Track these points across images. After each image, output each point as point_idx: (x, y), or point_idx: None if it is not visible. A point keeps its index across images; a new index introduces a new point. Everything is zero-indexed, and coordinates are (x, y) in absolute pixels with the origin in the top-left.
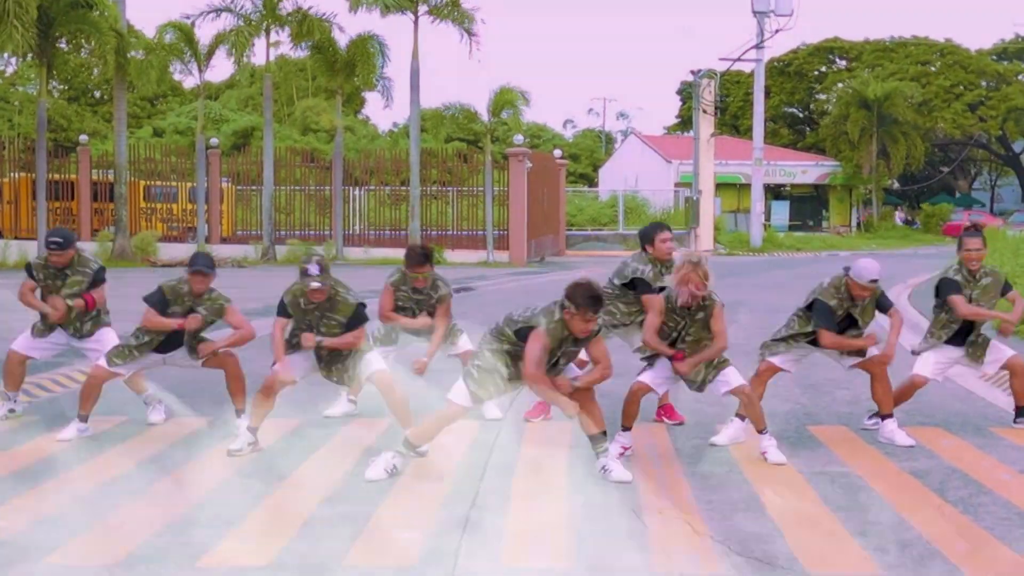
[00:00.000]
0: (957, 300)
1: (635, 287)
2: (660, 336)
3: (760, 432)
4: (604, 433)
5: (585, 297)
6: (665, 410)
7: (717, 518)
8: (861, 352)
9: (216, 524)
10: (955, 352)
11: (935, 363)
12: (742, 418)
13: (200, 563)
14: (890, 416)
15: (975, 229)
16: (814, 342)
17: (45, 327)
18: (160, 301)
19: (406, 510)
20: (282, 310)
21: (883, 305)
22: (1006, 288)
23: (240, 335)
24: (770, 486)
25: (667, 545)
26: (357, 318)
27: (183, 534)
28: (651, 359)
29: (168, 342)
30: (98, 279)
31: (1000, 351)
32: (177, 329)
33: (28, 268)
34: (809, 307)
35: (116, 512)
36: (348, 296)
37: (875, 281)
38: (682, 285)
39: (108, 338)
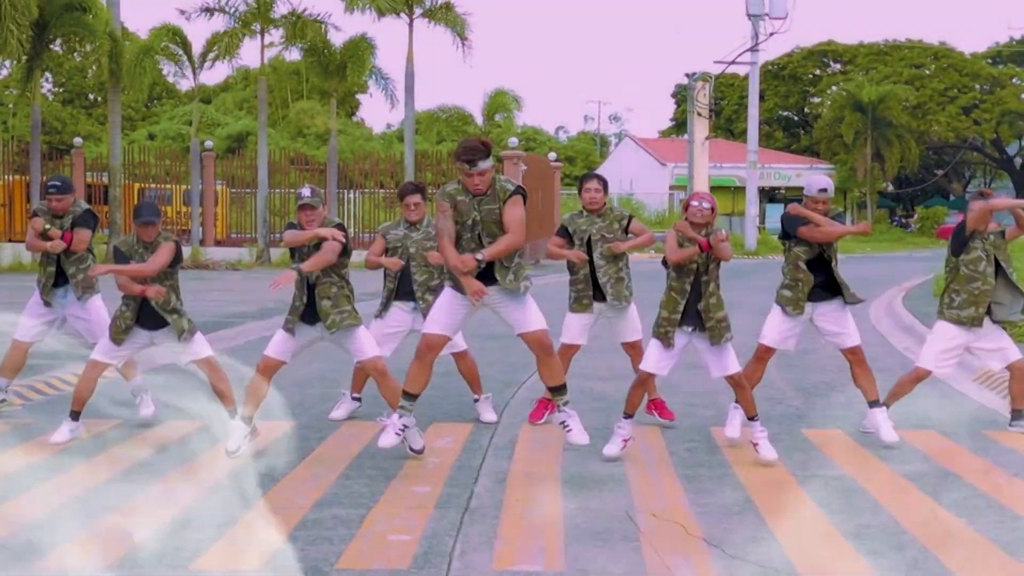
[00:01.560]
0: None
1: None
2: (680, 271)
3: (751, 419)
4: (564, 386)
5: (460, 148)
6: (656, 405)
7: (711, 521)
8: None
9: (208, 527)
10: (968, 333)
11: (942, 352)
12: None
13: (193, 566)
14: (877, 403)
15: (981, 195)
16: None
17: (41, 298)
18: (122, 258)
19: (400, 513)
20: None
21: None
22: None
23: (136, 267)
24: (764, 490)
25: (660, 548)
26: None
27: (175, 537)
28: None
29: (145, 309)
30: (80, 222)
31: (1008, 347)
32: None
33: (33, 213)
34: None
35: (109, 515)
36: (334, 219)
37: (824, 191)
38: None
39: (97, 314)
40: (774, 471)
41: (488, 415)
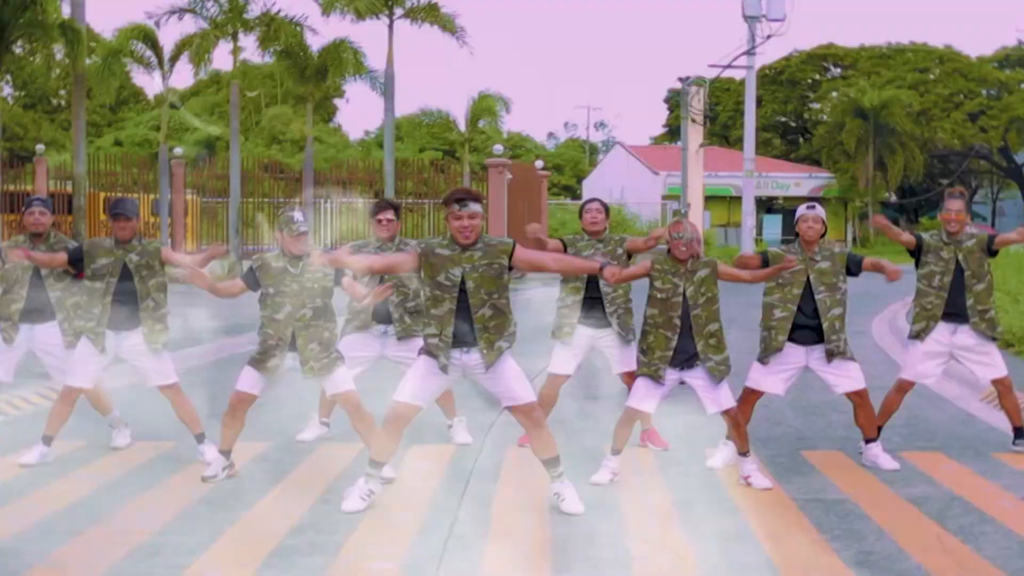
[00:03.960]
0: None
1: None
2: (663, 306)
3: (741, 455)
4: (557, 458)
5: (450, 192)
6: (649, 435)
7: (706, 548)
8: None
9: (180, 552)
10: (946, 337)
11: (920, 361)
12: None
13: None
14: (874, 440)
15: (959, 193)
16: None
17: (9, 326)
18: (77, 257)
19: (380, 539)
20: (248, 278)
21: (852, 267)
22: (991, 243)
23: (194, 262)
24: (762, 514)
25: None
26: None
27: (146, 563)
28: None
29: (118, 313)
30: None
31: (995, 363)
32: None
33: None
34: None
35: (77, 539)
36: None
37: (812, 207)
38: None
39: (55, 339)
40: (772, 495)
41: (463, 437)
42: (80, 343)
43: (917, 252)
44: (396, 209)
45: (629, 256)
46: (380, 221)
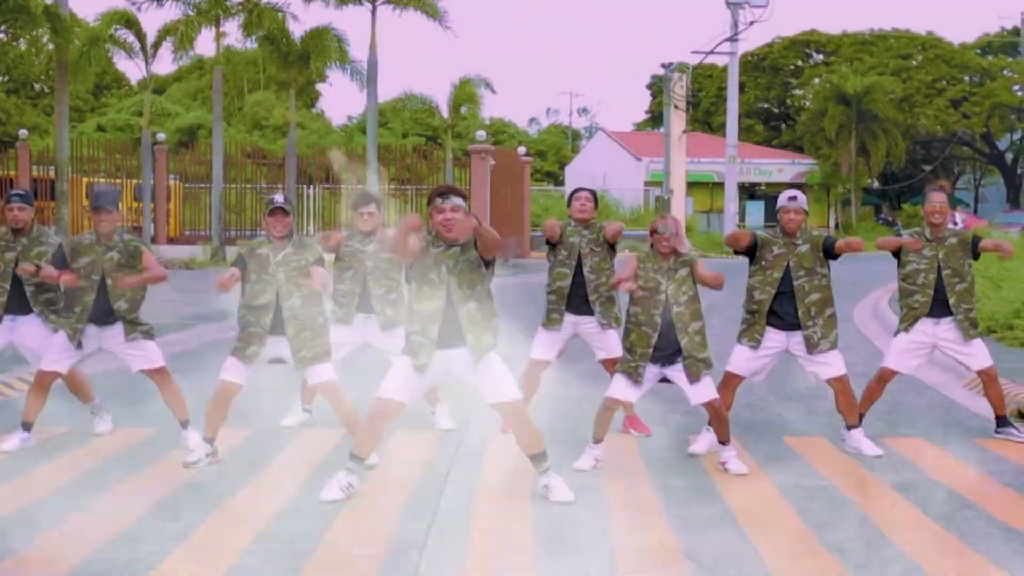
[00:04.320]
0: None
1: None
2: (645, 304)
3: (722, 443)
4: (543, 453)
5: (433, 190)
6: (631, 421)
7: (689, 534)
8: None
9: (163, 539)
10: (930, 328)
11: (904, 351)
12: None
13: None
14: (856, 426)
15: (940, 187)
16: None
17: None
18: (60, 259)
19: (363, 525)
20: (238, 261)
21: (828, 248)
22: (975, 245)
23: (154, 275)
24: (745, 501)
25: (636, 562)
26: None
27: (128, 550)
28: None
29: (98, 310)
30: (61, 254)
31: (979, 354)
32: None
33: None
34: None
35: (58, 527)
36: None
37: (794, 198)
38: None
39: (39, 331)
40: (755, 481)
41: (445, 422)
42: (59, 333)
43: (898, 251)
44: (378, 203)
45: (611, 245)
46: (362, 215)
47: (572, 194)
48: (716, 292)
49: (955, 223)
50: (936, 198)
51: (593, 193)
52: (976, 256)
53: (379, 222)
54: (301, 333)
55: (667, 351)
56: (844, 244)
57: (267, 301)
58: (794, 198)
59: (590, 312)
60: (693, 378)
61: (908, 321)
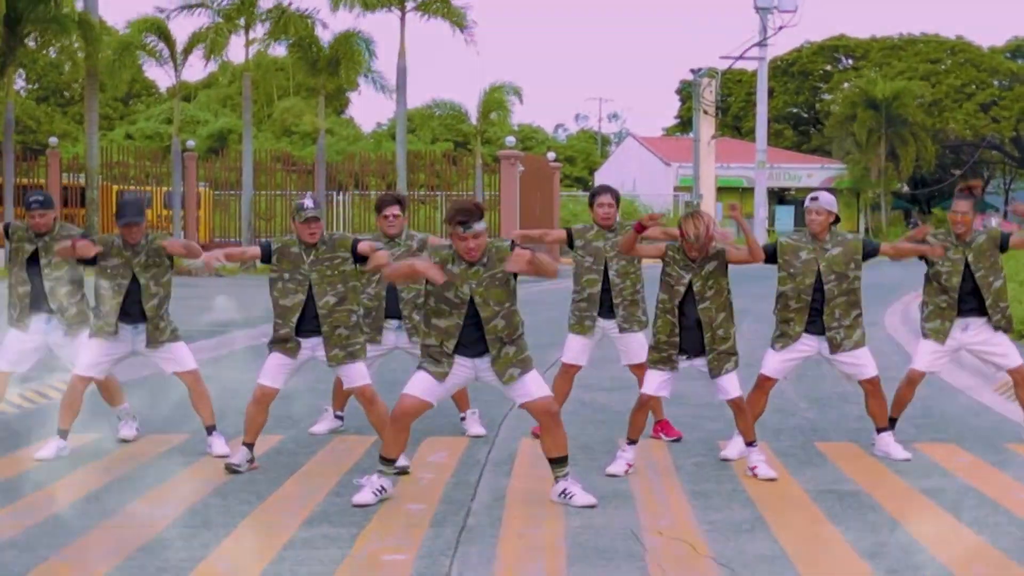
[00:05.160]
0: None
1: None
2: (670, 292)
3: (748, 444)
4: (566, 458)
5: (453, 210)
6: (662, 426)
7: (720, 539)
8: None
9: (193, 546)
10: (957, 332)
11: (932, 351)
12: None
13: None
14: (886, 429)
15: (969, 191)
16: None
17: (20, 317)
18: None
19: (393, 532)
20: (264, 250)
21: (868, 251)
22: (1005, 241)
23: (189, 247)
24: (775, 506)
25: (667, 567)
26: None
27: (158, 556)
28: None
29: (128, 312)
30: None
31: (1009, 353)
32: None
33: (5, 227)
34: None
35: (91, 533)
36: (343, 232)
37: (815, 198)
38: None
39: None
40: (786, 487)
41: (476, 429)
42: (92, 339)
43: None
44: (401, 203)
45: None
46: (387, 217)
47: (593, 197)
48: (745, 296)
49: (987, 227)
50: (960, 207)
51: (615, 194)
52: (1004, 249)
53: (404, 224)
54: (335, 331)
55: (696, 344)
56: (891, 249)
57: (297, 301)
58: (815, 198)
59: (609, 315)
60: (715, 373)
61: (935, 322)
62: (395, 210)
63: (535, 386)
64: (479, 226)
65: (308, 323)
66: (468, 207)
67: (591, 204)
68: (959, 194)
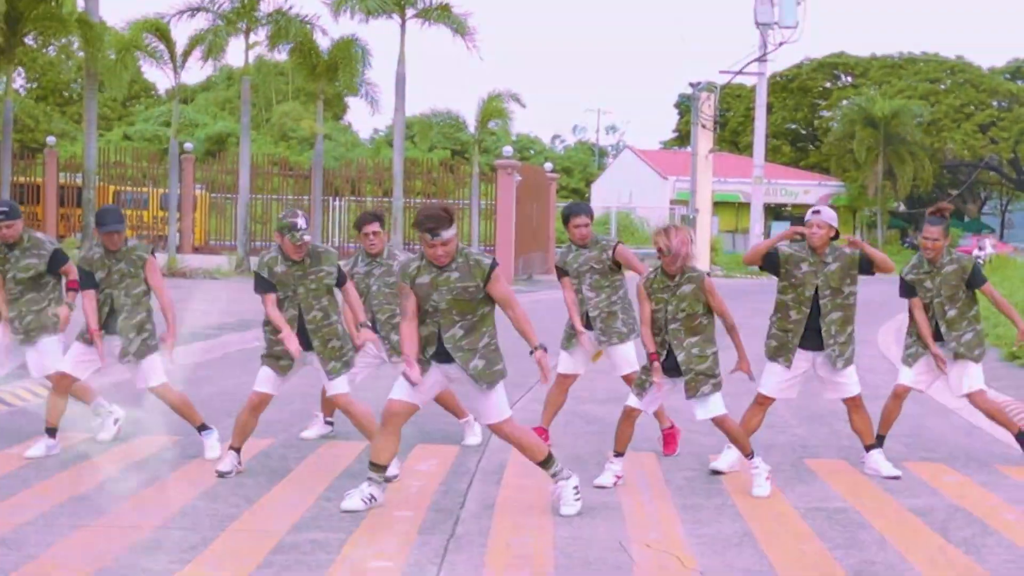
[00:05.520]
0: (914, 303)
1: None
2: (658, 323)
3: (748, 457)
4: (548, 459)
5: (421, 216)
6: (665, 435)
7: (708, 553)
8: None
9: (182, 548)
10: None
11: (917, 368)
12: None
13: None
14: (875, 447)
15: (940, 214)
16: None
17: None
18: (60, 260)
19: (381, 539)
20: (264, 285)
21: (864, 265)
22: (976, 278)
23: (167, 309)
24: (764, 522)
25: None
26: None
27: (147, 557)
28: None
29: (111, 322)
30: (60, 262)
31: (968, 376)
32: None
33: None
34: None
35: (79, 533)
36: (327, 246)
37: (817, 212)
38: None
39: (50, 348)
40: (775, 502)
41: (471, 438)
42: (75, 343)
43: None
44: (381, 220)
45: (618, 265)
46: (367, 235)
47: (567, 218)
48: (737, 310)
49: (982, 248)
50: (931, 232)
51: (589, 213)
52: (970, 284)
53: (386, 241)
54: (329, 344)
55: (675, 365)
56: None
57: (292, 315)
58: (817, 211)
59: None
60: (690, 394)
61: (912, 348)
62: (375, 227)
63: (496, 407)
64: (446, 234)
65: (301, 338)
66: (437, 214)
67: (566, 224)
68: (931, 218)
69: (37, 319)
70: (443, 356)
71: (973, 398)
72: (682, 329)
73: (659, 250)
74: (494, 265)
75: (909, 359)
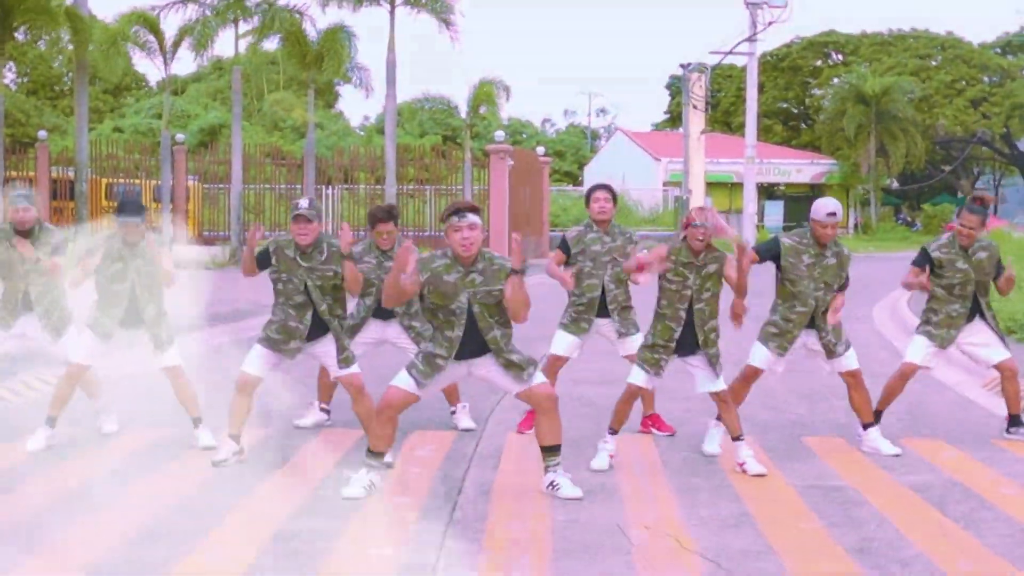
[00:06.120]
0: (918, 271)
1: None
2: (672, 298)
3: (735, 439)
4: (558, 447)
5: (450, 207)
6: (653, 420)
7: (706, 534)
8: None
9: (179, 539)
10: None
11: (927, 346)
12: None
13: None
14: (872, 424)
15: (981, 203)
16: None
17: (6, 312)
18: (64, 251)
19: (380, 526)
20: (262, 261)
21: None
22: (999, 267)
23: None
24: (762, 501)
25: (653, 562)
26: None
27: (144, 549)
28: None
29: (129, 315)
30: (61, 251)
31: (997, 348)
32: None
33: None
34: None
35: (77, 524)
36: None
37: (833, 215)
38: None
39: (76, 338)
40: (773, 482)
41: (466, 423)
42: (86, 331)
43: (930, 263)
44: (395, 219)
45: None
46: (381, 233)
47: (589, 193)
48: (731, 293)
49: None
50: (969, 220)
51: (611, 191)
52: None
53: (396, 239)
54: (341, 334)
55: (689, 344)
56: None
57: (304, 300)
58: (833, 214)
59: (609, 316)
60: (719, 371)
61: (943, 330)
62: (388, 227)
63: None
64: (473, 217)
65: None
66: (463, 205)
67: (587, 202)
68: (972, 206)
69: (61, 315)
70: (469, 353)
71: (1009, 366)
72: (707, 309)
73: (688, 224)
74: (513, 271)
75: (938, 339)
